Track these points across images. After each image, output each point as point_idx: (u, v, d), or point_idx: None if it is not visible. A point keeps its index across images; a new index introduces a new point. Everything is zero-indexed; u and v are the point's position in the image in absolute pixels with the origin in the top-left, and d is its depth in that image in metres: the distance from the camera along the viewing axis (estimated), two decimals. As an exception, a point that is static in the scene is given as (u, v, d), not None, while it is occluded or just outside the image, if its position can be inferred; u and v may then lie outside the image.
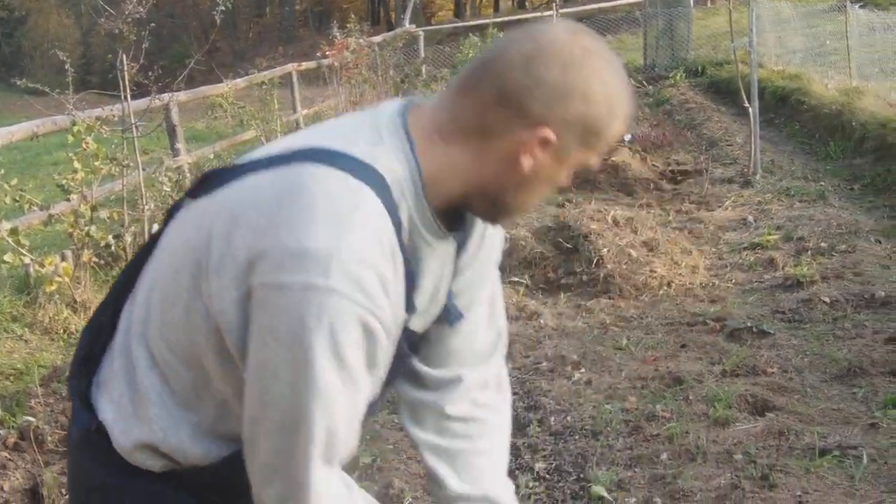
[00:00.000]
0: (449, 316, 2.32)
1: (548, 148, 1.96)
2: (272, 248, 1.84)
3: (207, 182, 2.08)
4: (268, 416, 1.91)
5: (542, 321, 7.36)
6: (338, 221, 1.84)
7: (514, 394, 5.99)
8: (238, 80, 16.71)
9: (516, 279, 8.28)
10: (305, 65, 20.54)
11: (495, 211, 2.10)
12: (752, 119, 12.05)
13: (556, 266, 8.35)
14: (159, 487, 2.17)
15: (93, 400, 2.22)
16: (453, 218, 2.13)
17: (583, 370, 6.32)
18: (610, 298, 7.82)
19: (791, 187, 11.27)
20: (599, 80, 1.95)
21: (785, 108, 16.42)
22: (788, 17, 22.22)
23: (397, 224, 1.94)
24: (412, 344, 2.25)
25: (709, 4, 31.86)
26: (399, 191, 1.96)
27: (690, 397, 5.73)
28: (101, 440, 2.16)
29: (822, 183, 11.49)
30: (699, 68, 22.57)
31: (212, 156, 14.08)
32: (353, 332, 1.85)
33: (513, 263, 8.50)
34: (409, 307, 2.05)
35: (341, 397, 1.89)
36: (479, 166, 2.01)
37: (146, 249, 2.24)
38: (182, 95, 13.67)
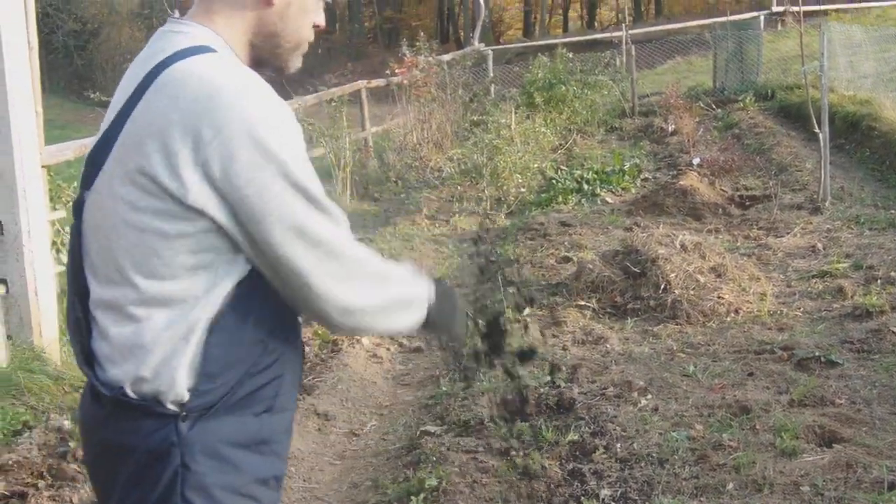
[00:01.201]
0: None
1: None
2: (199, 119, 2.19)
3: (92, 165, 2.39)
4: (296, 223, 2.26)
5: (608, 346, 7.36)
6: (227, 72, 2.28)
7: (581, 419, 6.01)
8: (308, 96, 16.80)
9: (583, 303, 8.30)
10: (375, 82, 20.64)
11: (278, 51, 2.52)
12: (822, 144, 11.97)
13: (623, 291, 8.35)
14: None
15: (93, 348, 2.41)
16: None
17: (649, 396, 6.31)
18: (677, 324, 7.81)
19: (861, 215, 11.18)
20: None
21: (855, 134, 16.29)
22: (860, 42, 22.05)
23: None
24: None
25: (779, 27, 31.59)
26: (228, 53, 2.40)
27: (757, 427, 5.71)
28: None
29: (893, 211, 11.39)
30: (769, 92, 22.43)
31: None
32: (289, 129, 2.30)
33: (580, 287, 8.52)
34: None
35: (312, 176, 2.31)
36: (245, 15, 2.44)
37: (74, 248, 2.45)
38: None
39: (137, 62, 2.46)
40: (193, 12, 2.46)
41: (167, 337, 2.26)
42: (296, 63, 2.60)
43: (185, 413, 2.28)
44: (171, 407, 2.27)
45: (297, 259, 2.26)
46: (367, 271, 2.40)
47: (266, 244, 2.24)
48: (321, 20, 2.60)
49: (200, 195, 2.19)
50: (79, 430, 2.52)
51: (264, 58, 2.50)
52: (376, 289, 2.42)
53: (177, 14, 2.53)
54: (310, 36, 2.59)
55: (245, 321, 2.32)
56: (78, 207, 2.43)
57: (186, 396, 2.27)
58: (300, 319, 2.50)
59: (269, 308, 2.36)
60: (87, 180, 2.38)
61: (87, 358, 2.40)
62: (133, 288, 2.28)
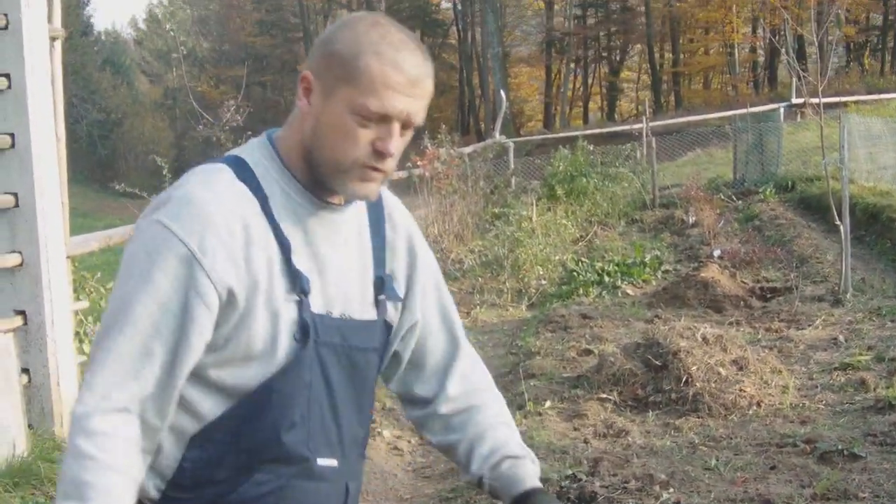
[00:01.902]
0: (390, 294, 2.57)
1: (312, 88, 2.31)
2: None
3: None
4: (102, 324, 2.28)
5: (630, 439, 7.34)
6: (184, 180, 2.32)
7: (602, 512, 5.99)
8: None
9: (604, 395, 8.28)
10: (397, 174, 20.74)
11: (322, 171, 2.34)
12: (843, 236, 11.99)
13: (644, 383, 8.33)
14: None
15: None
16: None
17: (671, 490, 6.28)
18: (699, 417, 7.78)
19: (882, 307, 11.16)
20: (350, 29, 2.29)
21: (876, 226, 16.31)
22: (879, 133, 22.16)
23: (262, 195, 2.32)
24: (374, 340, 2.52)
25: (798, 119, 31.78)
26: (262, 168, 2.36)
27: (781, 521, 5.69)
28: None
29: (915, 303, 11.39)
30: (789, 183, 22.51)
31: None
32: (171, 261, 2.20)
33: (601, 380, 8.51)
34: (293, 274, 2.33)
35: (146, 314, 2.20)
36: (299, 128, 2.37)
37: None
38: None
39: None
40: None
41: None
42: (349, 189, 2.36)
43: None
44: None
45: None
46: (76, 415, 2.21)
47: None
48: (384, 144, 2.31)
49: None
50: None
51: (314, 174, 2.37)
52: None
53: None
54: (356, 160, 2.31)
55: (228, 444, 2.33)
56: None
57: (152, 495, 2.34)
58: (327, 461, 2.44)
59: (260, 436, 2.33)
60: None
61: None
62: None
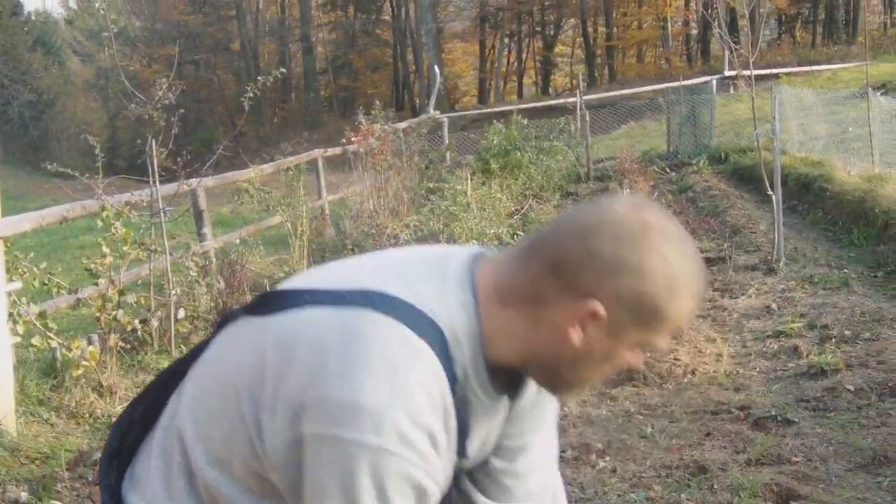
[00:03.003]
0: (496, 451, 2.33)
1: (598, 322, 1.93)
2: (327, 398, 1.87)
3: (266, 301, 2.12)
4: None
5: (566, 409, 7.35)
6: (394, 378, 1.86)
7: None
8: (265, 165, 16.82)
9: (540, 366, 8.30)
10: (331, 151, 20.68)
11: (553, 383, 2.09)
12: (775, 206, 12.06)
13: (580, 353, 8.35)
14: None
15: (124, 496, 2.25)
16: (510, 375, 2.12)
17: (607, 458, 6.31)
18: (634, 386, 7.81)
19: (814, 275, 11.25)
20: (657, 255, 1.92)
21: (808, 195, 16.46)
22: (811, 104, 22.32)
23: (452, 378, 1.97)
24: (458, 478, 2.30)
25: (731, 91, 31.99)
26: (457, 346, 1.98)
27: (715, 486, 5.72)
28: None
29: (846, 270, 11.48)
30: (722, 155, 22.70)
31: (238, 241, 14.14)
32: (403, 488, 1.88)
33: (537, 350, 8.52)
34: (462, 453, 2.09)
35: None
36: (532, 333, 1.99)
37: (192, 355, 2.28)
38: (210, 181, 13.81)
39: (396, 259, 2.20)
40: (492, 273, 2.07)
41: None
42: (564, 398, 2.27)
43: None
44: None
45: None
46: None
47: None
48: (635, 359, 2.06)
49: (275, 455, 2.00)
50: None
51: (531, 374, 2.12)
52: None
53: (489, 254, 2.13)
54: (598, 380, 2.11)
55: None
56: (223, 323, 2.26)
57: None
58: None
59: None
60: (253, 307, 2.18)
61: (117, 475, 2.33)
62: (202, 440, 2.15)
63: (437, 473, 1.94)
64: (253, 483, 2.06)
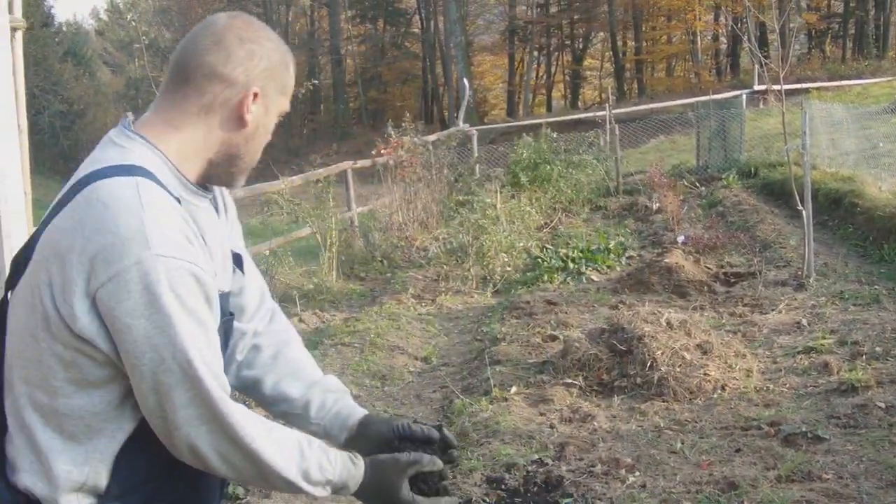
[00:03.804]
0: (240, 266, 2.78)
1: (258, 100, 2.51)
2: (96, 253, 2.20)
3: (16, 268, 2.43)
4: (163, 382, 2.25)
5: (595, 423, 7.35)
6: (132, 207, 2.24)
7: (569, 496, 6.01)
8: (295, 176, 16.89)
9: (570, 381, 8.29)
10: (361, 163, 20.74)
11: (234, 172, 2.59)
12: (805, 221, 12.03)
13: (609, 368, 8.35)
14: None
15: (13, 481, 2.40)
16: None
17: (637, 474, 6.31)
18: (664, 401, 7.80)
19: (845, 291, 11.22)
20: (266, 39, 2.54)
21: (838, 211, 16.40)
22: (841, 119, 22.28)
23: (176, 199, 2.38)
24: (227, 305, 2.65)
25: (761, 106, 31.92)
26: (160, 172, 2.40)
27: (745, 503, 5.71)
28: None
29: (877, 287, 11.42)
30: (752, 169, 22.61)
31: (267, 252, 14.20)
32: (188, 282, 2.26)
33: (566, 365, 8.52)
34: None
35: (202, 338, 2.29)
36: (212, 134, 2.50)
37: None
38: (239, 191, 13.85)
39: (81, 166, 2.49)
40: (149, 120, 2.53)
41: (75, 464, 2.35)
42: (242, 182, 2.68)
43: None
44: None
45: (164, 403, 2.30)
46: (239, 435, 2.36)
47: (136, 388, 2.31)
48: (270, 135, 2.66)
49: (88, 326, 2.24)
50: None
51: (216, 175, 2.58)
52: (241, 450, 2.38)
53: (130, 117, 2.55)
54: (259, 153, 2.64)
55: (151, 450, 2.40)
56: (1, 308, 2.48)
57: None
58: None
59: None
60: (13, 279, 2.44)
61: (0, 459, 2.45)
62: (34, 399, 2.35)
63: (206, 267, 2.34)
64: (77, 385, 2.33)
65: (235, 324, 2.78)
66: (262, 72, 2.51)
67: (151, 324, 2.21)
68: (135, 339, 2.22)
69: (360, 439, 2.80)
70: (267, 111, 2.55)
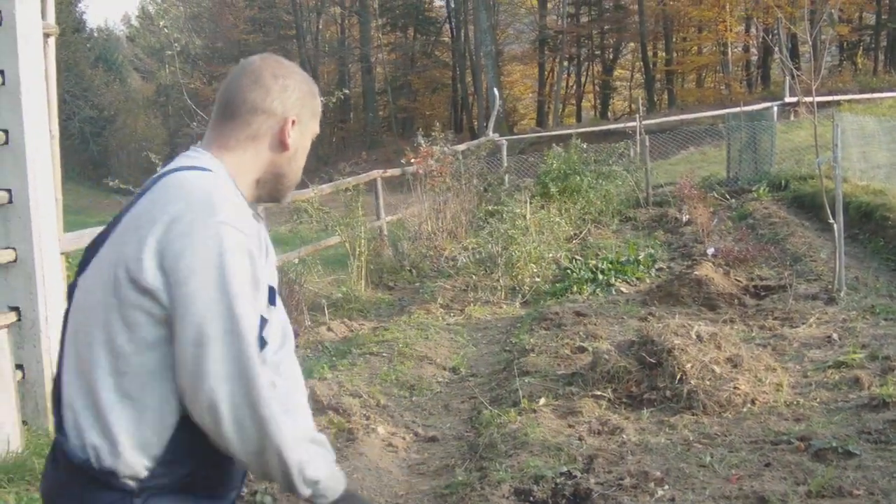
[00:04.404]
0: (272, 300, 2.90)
1: (296, 126, 2.92)
2: (168, 216, 2.56)
3: (86, 255, 2.79)
4: (206, 333, 2.51)
5: (624, 436, 7.34)
6: (205, 185, 2.65)
7: (597, 509, 6.00)
8: (324, 185, 16.89)
9: (599, 393, 8.28)
10: (390, 171, 20.75)
11: (280, 188, 2.97)
12: (836, 235, 11.99)
13: (639, 381, 8.32)
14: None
15: (75, 444, 2.66)
16: None
17: (666, 487, 6.29)
18: (693, 415, 7.77)
19: (876, 305, 11.16)
20: (295, 74, 2.96)
21: (869, 224, 16.34)
22: (872, 132, 22.20)
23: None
24: None
25: (791, 118, 31.80)
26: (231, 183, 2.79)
27: (775, 518, 5.68)
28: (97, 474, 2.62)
29: (908, 301, 11.38)
30: (782, 182, 22.56)
31: (296, 260, 14.21)
32: (244, 254, 2.57)
33: (595, 377, 8.50)
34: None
35: (250, 303, 2.57)
36: (259, 157, 2.88)
37: (63, 325, 2.82)
38: (269, 200, 13.85)
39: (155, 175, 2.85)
40: (208, 142, 2.91)
41: (133, 422, 2.59)
42: (288, 198, 3.10)
43: (138, 490, 2.60)
44: (128, 482, 2.59)
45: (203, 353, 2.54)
46: (261, 400, 2.55)
47: (178, 341, 2.55)
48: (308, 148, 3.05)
49: (153, 278, 2.53)
50: (41, 499, 2.85)
51: (266, 193, 2.96)
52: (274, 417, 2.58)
53: (199, 144, 2.95)
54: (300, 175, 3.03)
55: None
56: (71, 290, 2.81)
57: (143, 475, 2.60)
58: None
59: None
60: (83, 266, 2.78)
61: (60, 425, 2.72)
62: (98, 363, 2.61)
63: (258, 254, 2.64)
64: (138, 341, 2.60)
65: None
66: (296, 101, 2.92)
67: (208, 279, 2.51)
68: (190, 292, 2.51)
69: None
70: (302, 134, 2.96)
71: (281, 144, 2.91)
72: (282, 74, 2.92)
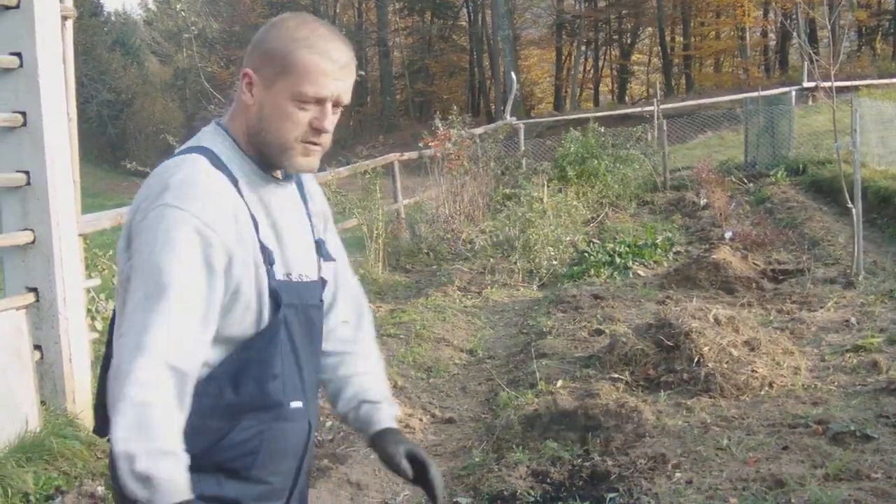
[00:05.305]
0: (326, 256, 2.98)
1: (253, 83, 2.72)
2: (137, 203, 2.63)
3: None
4: (136, 302, 2.50)
5: (641, 418, 7.32)
6: (169, 170, 2.64)
7: (614, 491, 5.99)
8: (341, 168, 16.90)
9: (616, 375, 8.27)
10: (408, 155, 20.74)
11: (265, 151, 2.75)
12: (854, 219, 11.96)
13: (656, 363, 8.31)
14: None
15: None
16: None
17: (683, 469, 6.28)
18: (710, 397, 7.75)
19: (894, 289, 11.13)
20: (281, 29, 2.71)
21: (888, 209, 16.29)
22: (891, 117, 22.09)
23: (233, 179, 2.69)
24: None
25: (810, 103, 31.67)
26: (226, 155, 2.73)
27: (793, 501, 5.66)
28: None
29: (927, 285, 11.34)
30: (800, 166, 22.49)
31: (314, 243, 14.23)
32: (188, 232, 2.52)
33: (613, 360, 8.49)
34: (263, 248, 2.70)
35: (190, 287, 2.52)
36: (239, 114, 2.78)
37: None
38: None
39: None
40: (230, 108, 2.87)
41: None
42: (295, 163, 2.77)
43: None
44: None
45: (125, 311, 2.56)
46: (128, 376, 2.43)
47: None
48: (321, 122, 2.74)
49: (127, 262, 2.63)
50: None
51: (262, 154, 2.78)
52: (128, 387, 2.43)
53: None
54: (298, 138, 2.73)
55: (219, 397, 2.66)
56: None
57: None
58: (296, 404, 2.81)
59: (248, 388, 2.70)
60: None
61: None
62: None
63: (224, 233, 2.58)
64: None
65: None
66: (261, 54, 2.72)
67: (149, 254, 2.51)
68: (137, 266, 2.54)
69: (374, 447, 3.09)
70: (267, 90, 2.71)
71: (245, 104, 2.76)
72: (272, 25, 2.76)
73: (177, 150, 2.81)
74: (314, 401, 2.95)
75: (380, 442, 3.05)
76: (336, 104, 2.75)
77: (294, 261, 2.81)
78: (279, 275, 2.74)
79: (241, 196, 2.69)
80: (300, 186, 2.97)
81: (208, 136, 2.80)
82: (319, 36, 2.70)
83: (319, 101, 2.70)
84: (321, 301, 2.94)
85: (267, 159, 2.77)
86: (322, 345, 3.00)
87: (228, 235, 2.59)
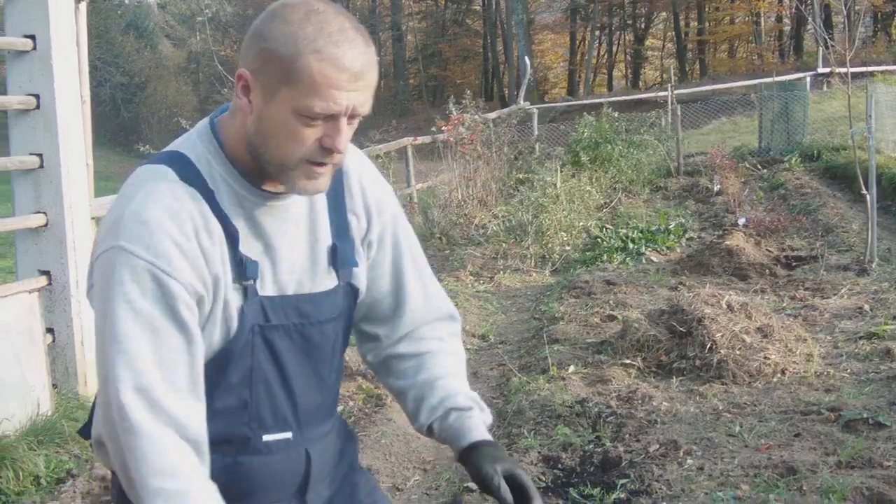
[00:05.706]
0: (344, 262, 2.58)
1: (251, 87, 2.27)
2: (99, 234, 2.34)
3: None
4: (100, 372, 2.25)
5: (653, 404, 7.31)
6: (127, 195, 2.30)
7: (625, 477, 5.99)
8: (354, 152, 16.89)
9: (628, 361, 8.26)
10: (421, 139, 20.73)
11: (265, 166, 2.33)
12: (869, 206, 11.91)
13: (668, 350, 8.30)
14: None
15: None
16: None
17: (695, 456, 6.27)
18: (723, 384, 7.74)
19: (908, 277, 11.11)
20: (283, 22, 2.22)
21: (902, 196, 16.25)
22: (906, 103, 22.00)
23: (208, 191, 2.33)
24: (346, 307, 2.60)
25: (825, 88, 31.57)
26: (206, 164, 2.36)
27: (804, 488, 5.65)
28: None
29: (941, 273, 11.31)
30: (815, 153, 22.43)
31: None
32: (143, 280, 2.21)
33: (625, 346, 8.48)
34: (240, 262, 2.37)
35: (143, 343, 2.19)
36: (236, 117, 2.36)
37: None
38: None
39: None
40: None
41: None
42: (297, 187, 2.35)
43: None
44: None
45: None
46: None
47: None
48: (333, 142, 2.29)
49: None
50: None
51: (265, 171, 2.37)
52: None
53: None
54: (303, 158, 2.29)
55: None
56: None
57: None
58: (275, 436, 2.52)
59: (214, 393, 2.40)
60: None
61: None
62: None
63: (181, 273, 2.24)
64: None
65: (362, 326, 2.80)
66: (258, 54, 2.25)
67: (100, 312, 2.27)
68: (96, 312, 2.30)
69: (465, 464, 2.65)
70: (266, 99, 2.26)
71: (239, 109, 2.34)
72: (273, 14, 2.26)
73: (155, 156, 2.42)
74: (317, 426, 2.62)
75: (473, 458, 2.60)
76: (351, 117, 2.29)
77: (291, 280, 2.48)
78: (267, 290, 2.43)
79: (216, 211, 2.32)
80: (333, 187, 2.49)
81: (192, 138, 2.40)
82: (329, 35, 2.20)
83: (330, 117, 2.25)
84: (339, 313, 2.57)
85: (265, 173, 2.35)
86: (364, 356, 2.85)
87: (191, 273, 2.27)
